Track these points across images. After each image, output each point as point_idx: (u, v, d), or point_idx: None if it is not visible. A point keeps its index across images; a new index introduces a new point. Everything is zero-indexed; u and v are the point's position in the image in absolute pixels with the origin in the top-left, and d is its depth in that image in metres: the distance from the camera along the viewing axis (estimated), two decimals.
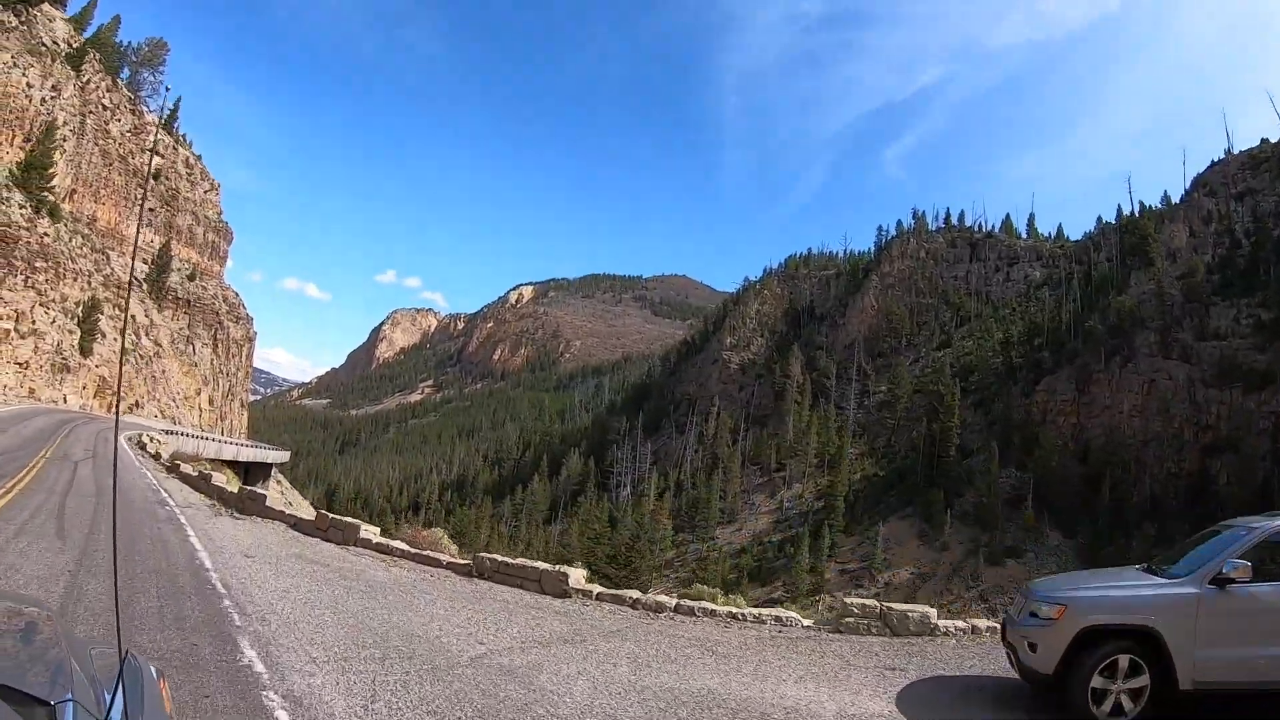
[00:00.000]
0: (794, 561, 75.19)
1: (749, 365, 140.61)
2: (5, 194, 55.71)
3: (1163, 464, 74.94)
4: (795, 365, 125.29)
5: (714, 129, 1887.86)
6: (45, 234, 64.36)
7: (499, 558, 14.17)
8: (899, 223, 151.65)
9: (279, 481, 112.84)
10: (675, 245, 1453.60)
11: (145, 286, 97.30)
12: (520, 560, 14.29)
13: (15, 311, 49.61)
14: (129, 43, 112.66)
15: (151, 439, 44.15)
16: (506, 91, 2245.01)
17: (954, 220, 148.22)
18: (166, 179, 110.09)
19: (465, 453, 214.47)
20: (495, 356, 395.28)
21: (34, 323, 55.14)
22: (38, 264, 58.29)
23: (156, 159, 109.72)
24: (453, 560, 15.18)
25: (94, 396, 66.86)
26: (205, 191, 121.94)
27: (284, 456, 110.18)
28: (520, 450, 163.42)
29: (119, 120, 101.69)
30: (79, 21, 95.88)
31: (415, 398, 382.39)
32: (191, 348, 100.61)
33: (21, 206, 57.21)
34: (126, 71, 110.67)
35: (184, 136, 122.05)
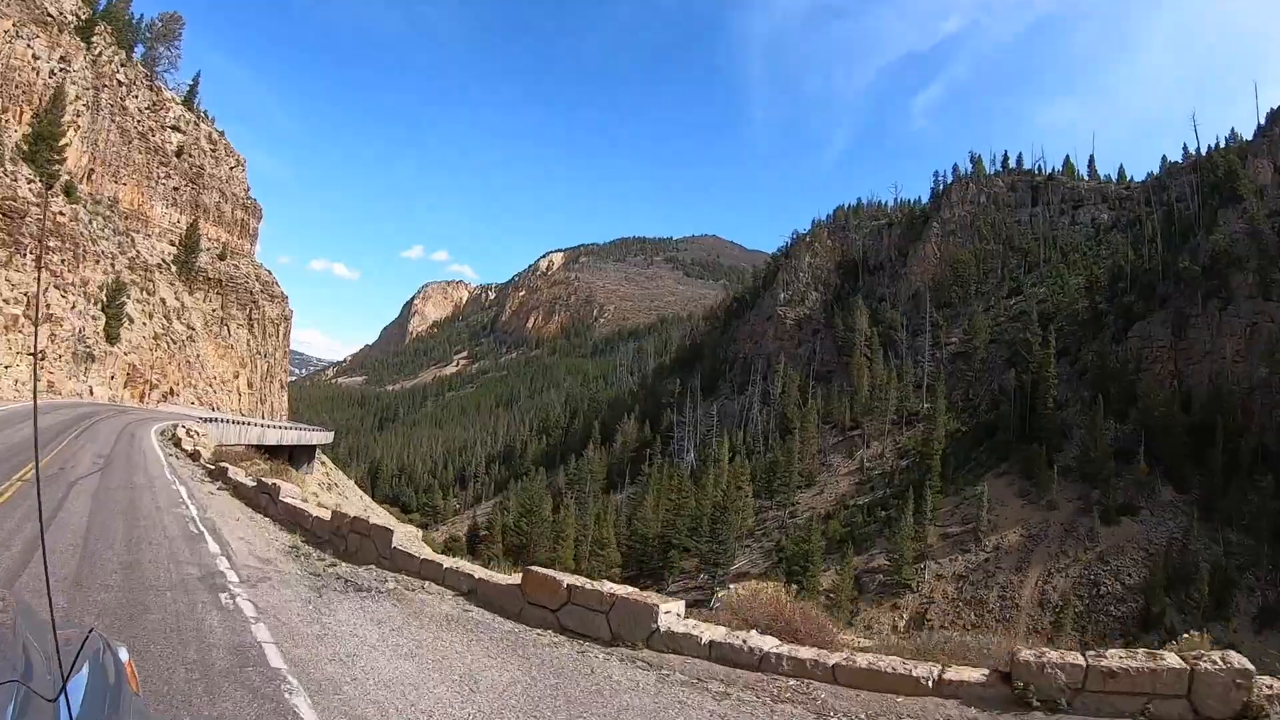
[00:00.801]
0: (894, 527, 69.37)
1: (805, 320, 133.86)
2: (10, 167, 50.06)
3: (1271, 412, 68.57)
4: (860, 318, 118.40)
5: (740, 89, 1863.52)
6: (60, 213, 58.88)
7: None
8: (955, 167, 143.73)
9: (323, 463, 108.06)
10: (705, 206, 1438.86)
11: (174, 268, 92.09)
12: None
13: (25, 295, 44.07)
14: (141, 15, 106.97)
15: (189, 432, 38.52)
16: (526, 63, 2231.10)
17: (1011, 164, 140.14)
18: (190, 155, 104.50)
19: (509, 423, 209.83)
20: (529, 325, 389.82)
21: (48, 307, 49.64)
22: (52, 244, 52.85)
23: (178, 135, 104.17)
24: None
25: (124, 386, 61.65)
26: (231, 168, 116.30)
27: (328, 437, 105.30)
28: (567, 418, 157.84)
29: (136, 96, 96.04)
30: (89, 3, 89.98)
31: (451, 370, 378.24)
32: (226, 329, 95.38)
33: (30, 180, 51.59)
34: (140, 48, 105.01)
35: (205, 113, 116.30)
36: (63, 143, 65.11)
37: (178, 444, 33.89)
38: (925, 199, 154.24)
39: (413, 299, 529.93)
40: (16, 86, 65.30)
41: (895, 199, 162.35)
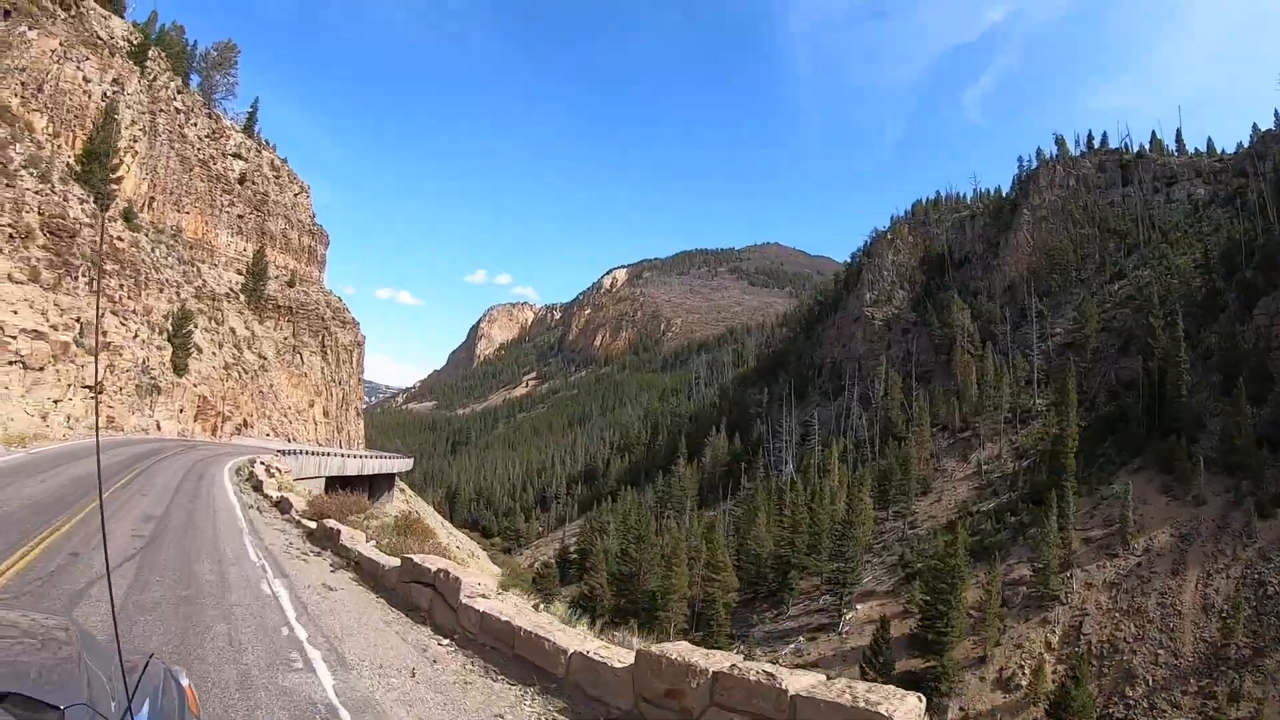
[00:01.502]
0: (1029, 534, 61.73)
1: (893, 320, 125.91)
2: (59, 186, 45.27)
3: None
4: (959, 314, 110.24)
5: (787, 94, 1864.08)
6: (119, 237, 54.26)
7: None
8: (1038, 151, 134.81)
9: (402, 490, 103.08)
10: (764, 214, 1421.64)
11: (242, 297, 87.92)
12: None
13: (79, 320, 38.95)
14: (195, 42, 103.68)
15: (269, 470, 32.87)
16: (570, 83, 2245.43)
17: (1096, 144, 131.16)
18: (253, 183, 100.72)
19: (587, 442, 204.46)
20: (596, 342, 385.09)
21: (105, 334, 44.67)
22: (109, 267, 48.03)
23: (240, 163, 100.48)
24: None
25: (194, 420, 56.78)
26: (295, 195, 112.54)
27: (408, 464, 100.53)
28: (648, 434, 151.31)
29: (194, 124, 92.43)
30: (142, 31, 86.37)
31: (520, 391, 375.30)
32: (299, 357, 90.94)
33: (82, 201, 46.78)
34: (196, 78, 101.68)
35: (265, 140, 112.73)
36: (119, 168, 60.84)
37: (258, 488, 27.82)
38: (1006, 188, 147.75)
39: (479, 323, 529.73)
40: (68, 110, 61.00)
41: (975, 190, 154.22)
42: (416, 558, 11.54)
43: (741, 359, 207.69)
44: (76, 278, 40.60)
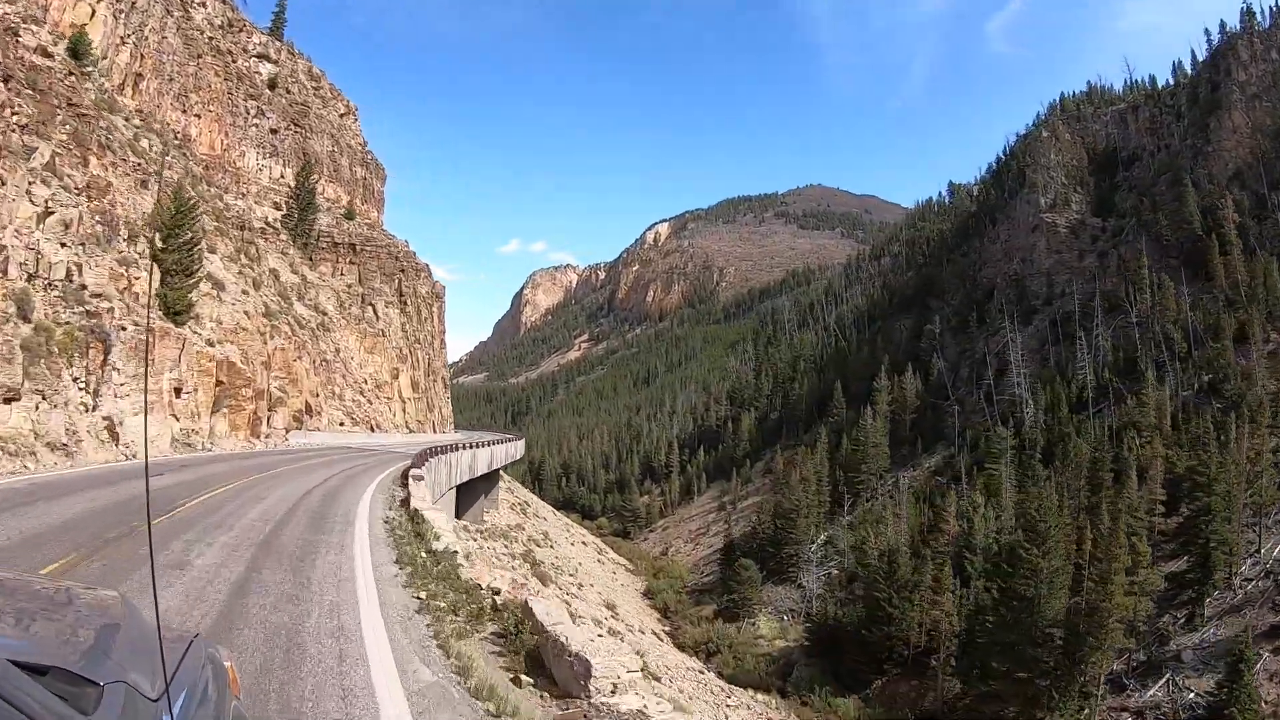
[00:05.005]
0: None
1: (1079, 227, 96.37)
2: None
3: None
4: (1189, 205, 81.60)
5: (809, 34, 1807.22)
6: (69, 74, 26.21)
7: None
8: (1221, 24, 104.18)
9: (502, 477, 75.67)
10: (802, 156, 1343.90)
11: (284, 234, 60.19)
12: None
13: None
14: None
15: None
16: (592, 46, 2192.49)
17: None
18: (287, 90, 72.56)
19: (686, 400, 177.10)
20: (648, 298, 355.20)
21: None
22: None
23: (268, 66, 72.27)
24: None
25: (211, 410, 28.80)
26: (341, 115, 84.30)
27: (521, 447, 72.97)
28: (769, 385, 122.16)
29: (204, 5, 64.57)
30: None
31: (574, 355, 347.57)
32: (371, 310, 62.96)
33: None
34: None
35: (298, 51, 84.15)
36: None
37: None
38: (1118, 86, 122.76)
39: (522, 289, 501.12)
40: None
41: (1128, 79, 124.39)
42: None
43: (832, 294, 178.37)
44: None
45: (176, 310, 26.08)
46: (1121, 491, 46.62)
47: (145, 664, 2.04)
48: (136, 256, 26.01)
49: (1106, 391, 68.39)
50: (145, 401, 4.01)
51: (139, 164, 32.25)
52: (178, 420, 24.58)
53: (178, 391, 24.62)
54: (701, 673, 43.90)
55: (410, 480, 19.14)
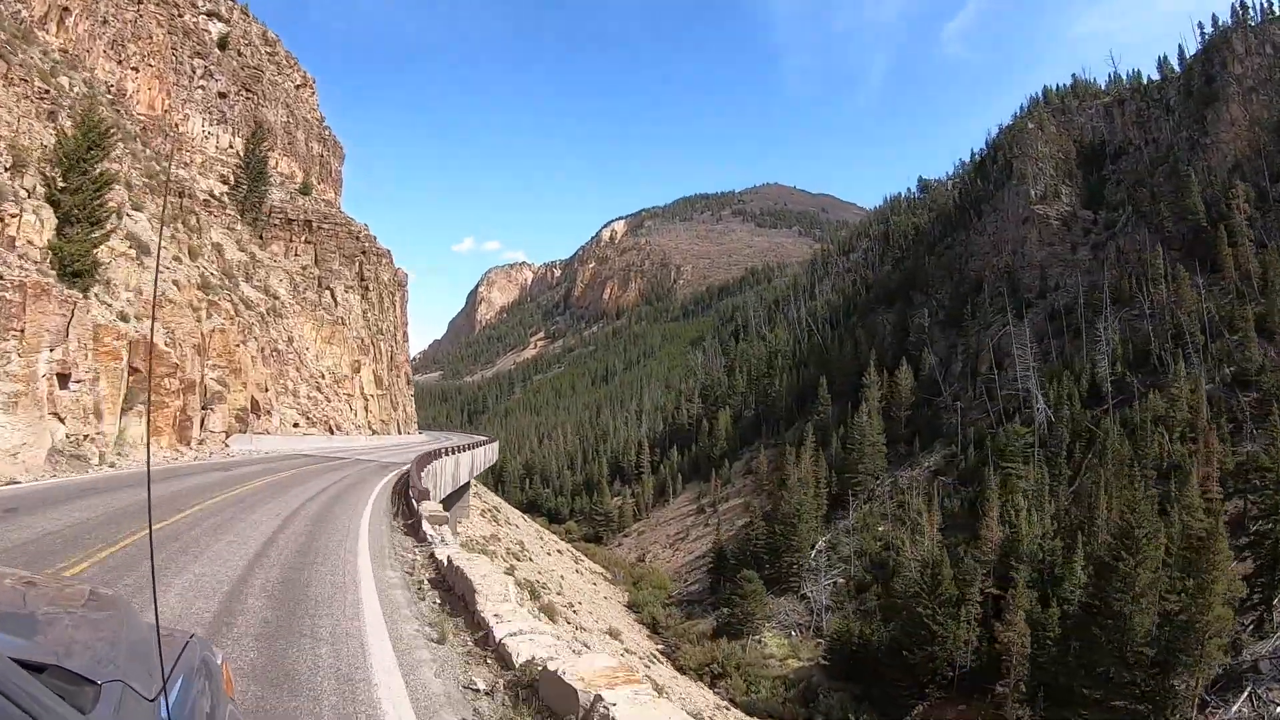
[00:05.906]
0: None
1: (1070, 219, 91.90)
2: None
3: None
4: (1192, 196, 77.66)
5: (769, 35, 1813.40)
6: None
7: None
8: (1214, 18, 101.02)
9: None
10: (759, 156, 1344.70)
11: (231, 208, 52.48)
12: None
13: None
14: None
15: None
16: (547, 44, 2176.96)
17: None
18: (239, 53, 64.66)
19: (651, 398, 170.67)
20: (605, 296, 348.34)
21: None
22: None
23: (219, 24, 64.31)
24: None
25: (121, 408, 21.49)
26: (298, 87, 76.46)
27: (495, 451, 65.92)
28: (744, 381, 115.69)
29: None
30: None
31: (530, 353, 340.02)
32: (329, 295, 55.33)
33: None
34: None
35: (251, 13, 76.06)
36: None
37: None
38: (1104, 81, 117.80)
39: (477, 287, 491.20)
40: None
41: (1112, 73, 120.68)
42: None
43: (799, 289, 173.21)
44: None
45: (75, 270, 18.96)
46: (1184, 490, 41.50)
47: (142, 663, 2.02)
48: (23, 193, 18.94)
49: (1120, 385, 63.61)
50: (148, 401, 3.48)
51: (48, 91, 25.01)
52: (62, 421, 17.41)
53: (63, 379, 17.48)
54: (727, 708, 38.00)
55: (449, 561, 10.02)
